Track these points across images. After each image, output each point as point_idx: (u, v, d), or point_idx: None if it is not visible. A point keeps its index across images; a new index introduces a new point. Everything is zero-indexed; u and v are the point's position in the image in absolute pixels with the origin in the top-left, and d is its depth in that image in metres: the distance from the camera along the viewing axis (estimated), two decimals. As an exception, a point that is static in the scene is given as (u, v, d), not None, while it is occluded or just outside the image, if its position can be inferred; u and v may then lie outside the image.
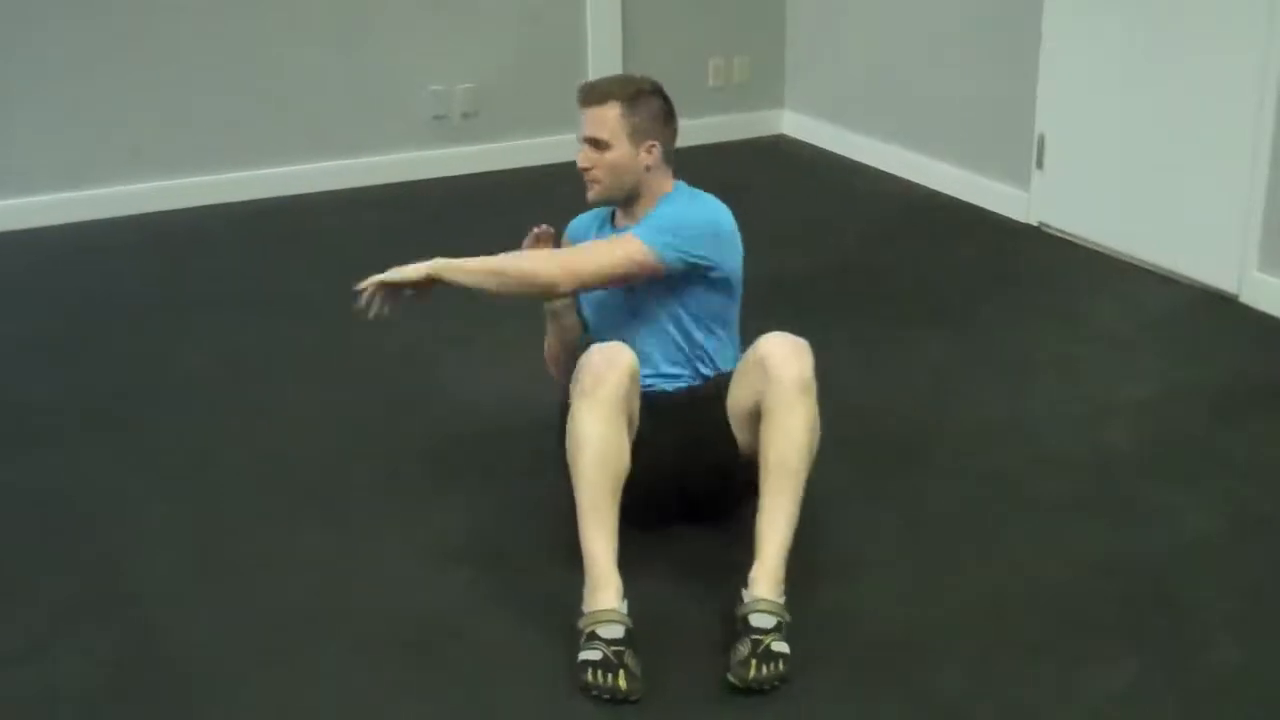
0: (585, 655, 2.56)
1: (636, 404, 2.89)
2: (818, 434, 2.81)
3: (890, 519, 3.19)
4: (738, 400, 2.94)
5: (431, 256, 2.98)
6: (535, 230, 3.16)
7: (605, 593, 2.64)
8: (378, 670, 2.67)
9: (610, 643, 2.56)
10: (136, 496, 3.34)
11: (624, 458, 2.76)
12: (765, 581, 2.67)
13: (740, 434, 2.96)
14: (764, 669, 2.53)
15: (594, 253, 3.03)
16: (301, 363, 4.12)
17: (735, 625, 2.64)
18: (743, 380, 2.93)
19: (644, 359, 3.02)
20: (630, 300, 3.09)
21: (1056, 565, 3.01)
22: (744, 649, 2.57)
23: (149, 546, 3.12)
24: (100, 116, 5.39)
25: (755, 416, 2.83)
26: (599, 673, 2.52)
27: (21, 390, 3.96)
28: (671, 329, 3.09)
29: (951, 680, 2.62)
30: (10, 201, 5.30)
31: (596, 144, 3.02)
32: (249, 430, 3.68)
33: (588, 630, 2.60)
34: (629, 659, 2.55)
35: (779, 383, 2.77)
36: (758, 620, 2.60)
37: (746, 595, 2.66)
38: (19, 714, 2.57)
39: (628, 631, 2.59)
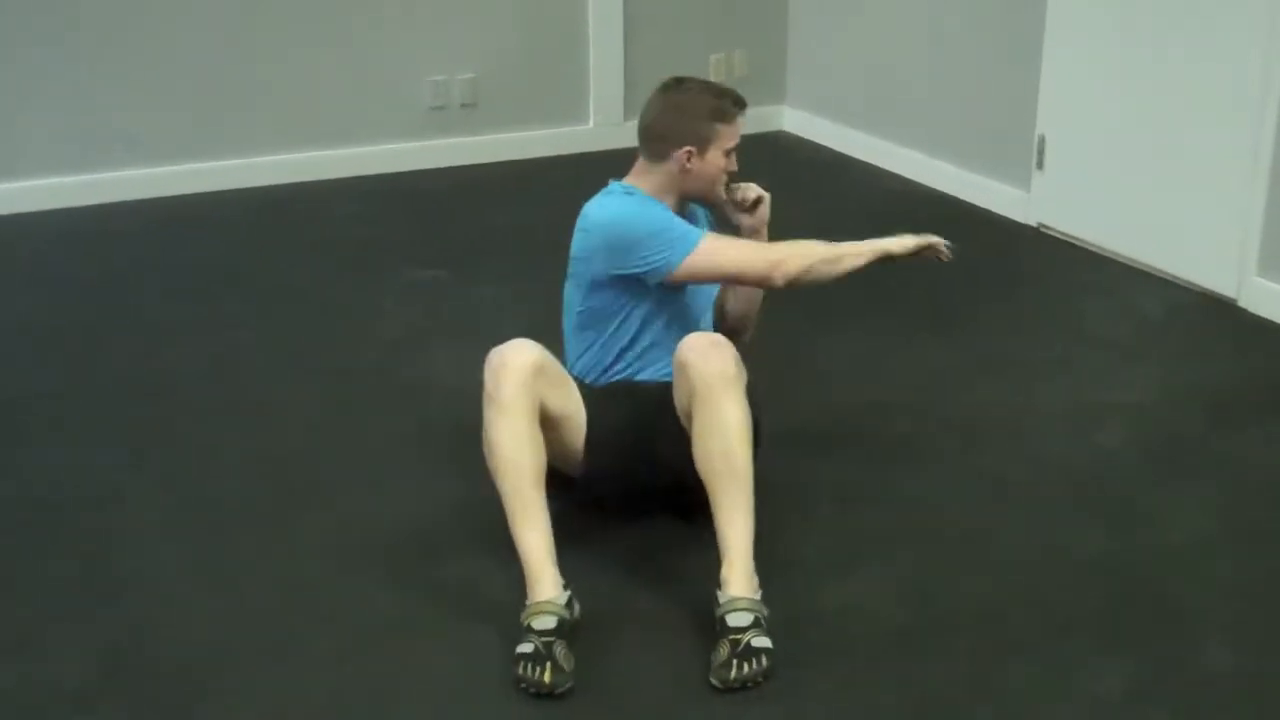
0: (519, 649, 2.58)
1: (564, 394, 2.93)
2: (750, 421, 2.81)
3: (886, 518, 3.19)
4: (679, 402, 2.96)
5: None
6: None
7: (541, 585, 2.66)
8: (369, 665, 2.66)
9: (541, 634, 2.57)
10: (126, 488, 3.32)
11: (539, 450, 2.78)
12: (737, 580, 2.67)
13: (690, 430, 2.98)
14: (745, 667, 2.53)
15: None
16: (297, 352, 4.11)
17: (714, 627, 2.64)
18: (676, 386, 2.94)
19: (655, 353, 3.10)
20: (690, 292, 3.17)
21: (1052, 567, 3.00)
22: (724, 650, 2.57)
23: (141, 539, 3.11)
24: (97, 102, 5.37)
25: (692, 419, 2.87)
26: (528, 666, 2.53)
27: (14, 378, 3.94)
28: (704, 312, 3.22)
29: (946, 680, 2.62)
30: (4, 185, 5.28)
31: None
32: (243, 420, 3.67)
33: (525, 624, 2.61)
34: (558, 650, 2.56)
35: (701, 379, 2.79)
36: (735, 619, 2.61)
37: (721, 596, 2.66)
38: (11, 707, 2.56)
39: (561, 622, 2.60)
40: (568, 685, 2.53)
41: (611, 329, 3.10)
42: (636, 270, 3.00)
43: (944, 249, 3.23)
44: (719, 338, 2.91)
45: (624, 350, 3.10)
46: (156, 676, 2.63)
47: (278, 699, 2.57)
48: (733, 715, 2.53)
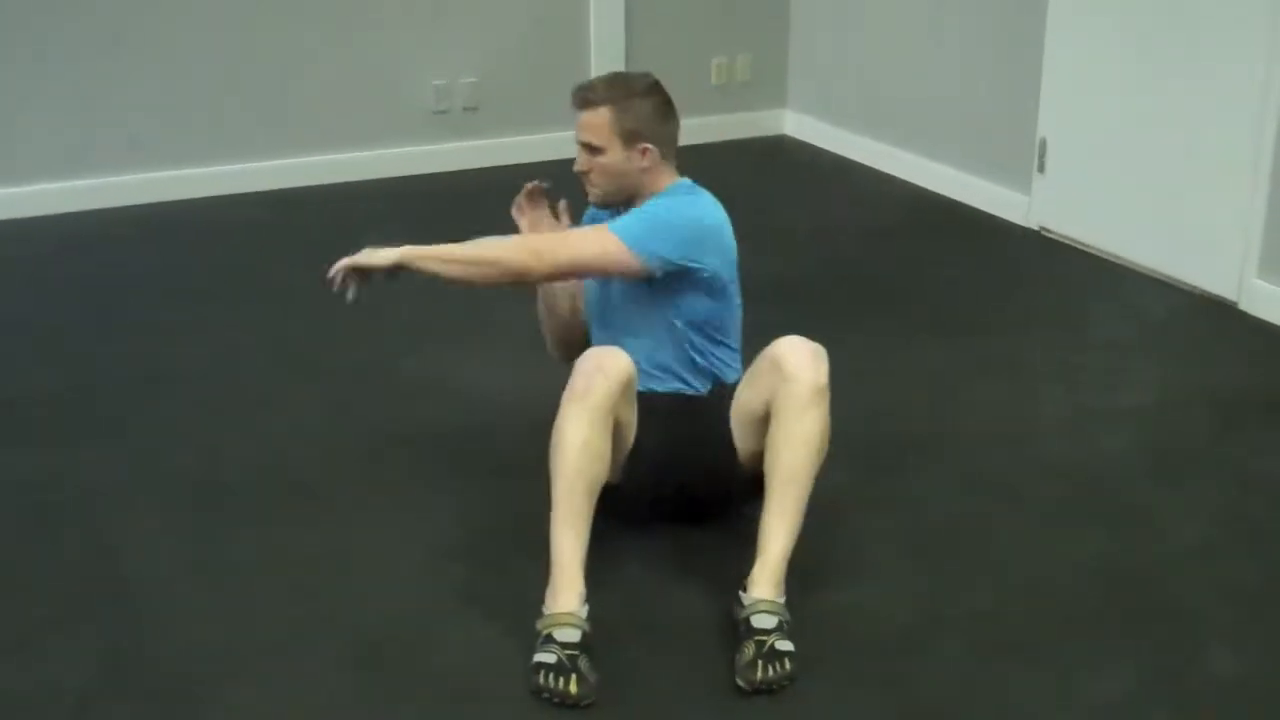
0: (540, 658, 2.55)
1: (631, 410, 2.88)
2: (827, 440, 2.78)
3: (888, 522, 3.19)
4: (746, 403, 2.91)
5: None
6: (528, 186, 3.20)
7: (566, 595, 2.63)
8: (365, 669, 2.66)
9: (565, 646, 2.55)
10: (129, 491, 3.32)
11: (604, 464, 2.74)
12: (766, 582, 2.67)
13: (744, 439, 2.93)
14: (770, 669, 2.53)
15: (570, 241, 3.02)
16: (298, 356, 4.11)
17: (737, 629, 2.64)
18: (754, 382, 2.89)
19: (637, 360, 3.01)
20: (628, 299, 3.07)
21: (1054, 570, 3.00)
22: (749, 651, 2.56)
23: (140, 542, 3.11)
24: (99, 106, 5.38)
25: (763, 420, 2.81)
26: (551, 676, 2.51)
27: (15, 379, 3.95)
28: (666, 331, 3.05)
29: (948, 684, 2.62)
30: (6, 190, 5.29)
31: (590, 148, 3.02)
32: (243, 424, 3.67)
33: (545, 632, 2.59)
34: (583, 664, 2.54)
35: (794, 385, 2.74)
36: (760, 621, 2.60)
37: (746, 597, 2.66)
38: (11, 708, 2.56)
39: (584, 636, 2.58)
40: (591, 699, 2.52)
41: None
42: None
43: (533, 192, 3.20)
44: (820, 348, 2.81)
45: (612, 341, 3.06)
46: (157, 677, 2.63)
47: (278, 700, 2.57)
48: (730, 717, 2.53)
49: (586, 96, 3.02)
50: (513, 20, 5.98)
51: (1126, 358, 4.16)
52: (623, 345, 2.97)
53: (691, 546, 3.06)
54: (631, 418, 2.90)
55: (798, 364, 2.75)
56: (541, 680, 2.51)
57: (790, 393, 2.74)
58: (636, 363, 2.96)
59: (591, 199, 3.09)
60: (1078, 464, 3.47)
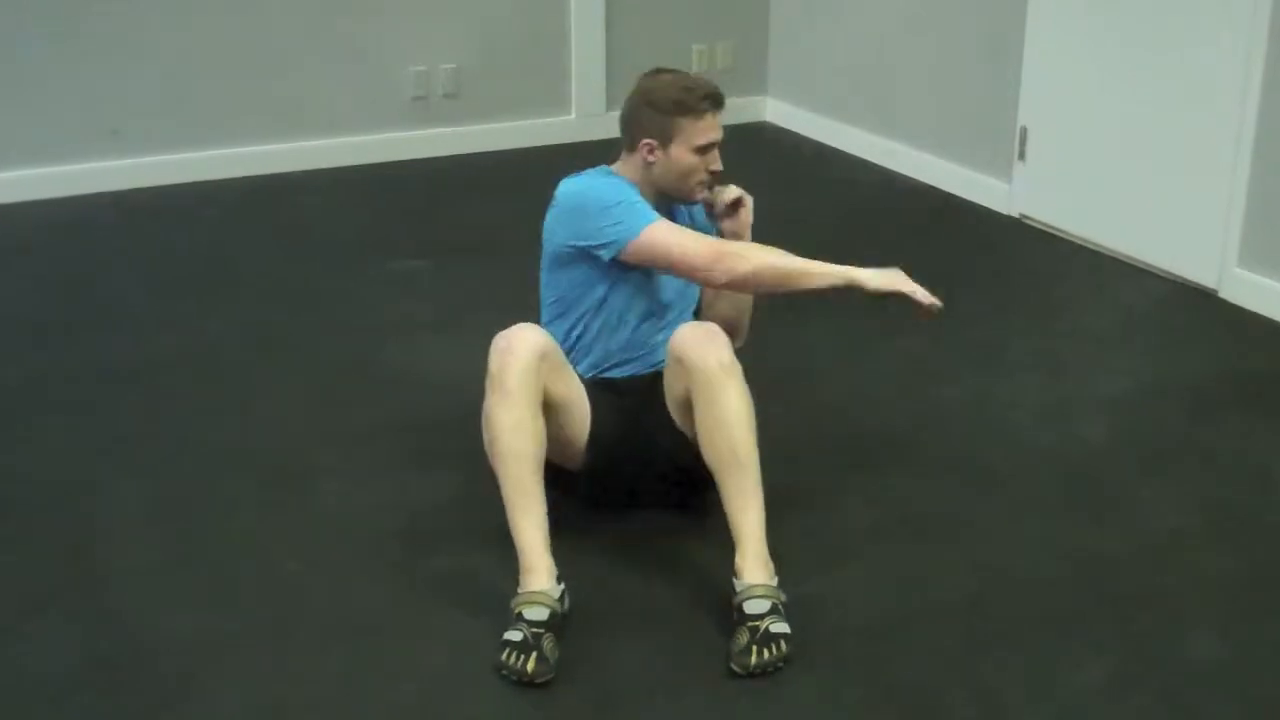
0: (507, 635, 2.59)
1: (565, 381, 2.89)
2: (753, 410, 2.81)
3: (866, 511, 3.19)
4: (672, 395, 2.96)
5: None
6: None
7: (536, 575, 2.66)
8: (346, 657, 2.66)
9: (532, 624, 2.58)
10: (107, 481, 3.30)
11: (539, 440, 2.75)
12: (752, 567, 2.69)
13: (684, 423, 2.95)
14: (764, 653, 2.56)
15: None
16: (277, 344, 4.09)
17: (732, 615, 2.65)
18: (671, 379, 2.94)
19: (632, 350, 3.09)
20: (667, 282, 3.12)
21: (1033, 559, 3.01)
22: (743, 637, 2.59)
23: (119, 532, 3.09)
24: (79, 93, 5.33)
25: (689, 405, 2.85)
26: (513, 654, 2.54)
27: (-6, 367, 3.92)
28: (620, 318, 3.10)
29: (926, 673, 2.62)
30: (-16, 175, 5.26)
31: (718, 146, 3.05)
32: (226, 411, 3.65)
33: (516, 610, 2.62)
34: (546, 643, 2.57)
35: (700, 372, 2.79)
36: (752, 606, 2.62)
37: (738, 584, 2.68)
38: (-12, 698, 2.55)
39: (553, 614, 2.61)
40: (549, 676, 2.54)
41: (582, 320, 3.07)
42: (591, 243, 2.96)
43: (923, 302, 2.96)
44: (713, 327, 2.88)
45: (595, 342, 3.08)
46: (137, 669, 2.62)
47: (260, 691, 2.56)
48: (715, 706, 2.53)
49: (720, 95, 3.05)
50: (493, 6, 5.95)
51: (1107, 346, 4.16)
52: (670, 325, 3.03)
53: (660, 531, 3.06)
54: (568, 390, 2.91)
55: (695, 350, 2.81)
56: (503, 657, 2.55)
57: (700, 381, 2.79)
58: (645, 348, 3.07)
59: (703, 197, 3.10)
60: (1058, 452, 3.47)
